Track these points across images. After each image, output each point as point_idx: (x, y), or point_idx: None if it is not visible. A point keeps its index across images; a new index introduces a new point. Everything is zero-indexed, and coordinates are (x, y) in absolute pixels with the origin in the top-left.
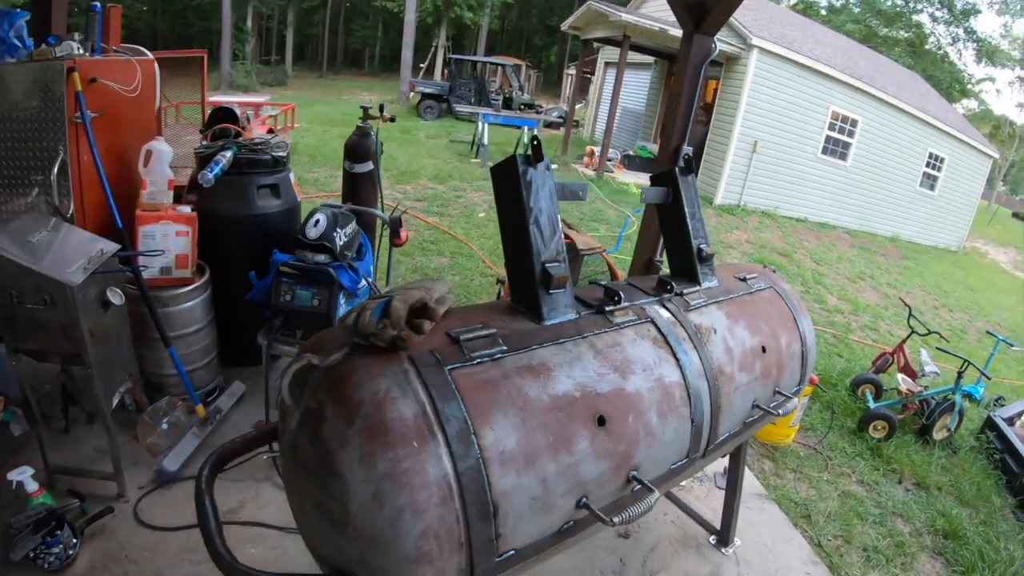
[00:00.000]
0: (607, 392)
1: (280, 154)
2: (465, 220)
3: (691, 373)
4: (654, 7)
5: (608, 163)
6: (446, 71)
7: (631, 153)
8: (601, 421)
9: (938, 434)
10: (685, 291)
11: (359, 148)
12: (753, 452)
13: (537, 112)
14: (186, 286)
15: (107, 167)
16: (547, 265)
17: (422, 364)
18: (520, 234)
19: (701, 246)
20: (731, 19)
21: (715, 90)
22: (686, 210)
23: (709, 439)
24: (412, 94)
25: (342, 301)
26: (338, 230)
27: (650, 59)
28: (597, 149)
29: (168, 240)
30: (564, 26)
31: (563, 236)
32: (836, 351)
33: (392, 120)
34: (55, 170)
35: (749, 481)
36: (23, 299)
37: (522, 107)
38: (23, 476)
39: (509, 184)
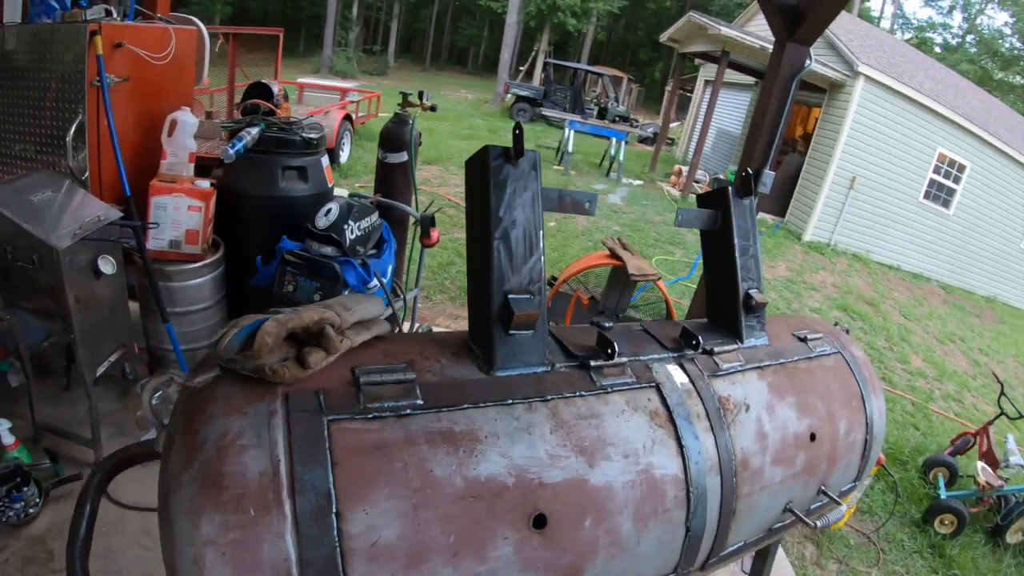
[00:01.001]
0: (557, 483)
1: (312, 136)
2: None
3: (698, 465)
4: (759, 26)
5: (695, 184)
6: (543, 75)
7: (721, 177)
8: (539, 522)
9: (1012, 537)
10: (717, 349)
11: (394, 137)
12: (795, 532)
13: (631, 125)
14: (195, 262)
15: (133, 134)
16: (511, 296)
17: (296, 408)
18: (482, 250)
19: (750, 291)
20: (837, 42)
21: (816, 119)
22: (736, 242)
23: (712, 551)
24: (507, 96)
25: None
26: (350, 223)
27: (751, 80)
28: (687, 169)
29: (179, 213)
30: (663, 37)
31: (610, 260)
32: (913, 422)
33: (433, 109)
34: (71, 132)
35: (782, 569)
36: (16, 256)
37: (616, 119)
38: (0, 428)
39: (479, 183)
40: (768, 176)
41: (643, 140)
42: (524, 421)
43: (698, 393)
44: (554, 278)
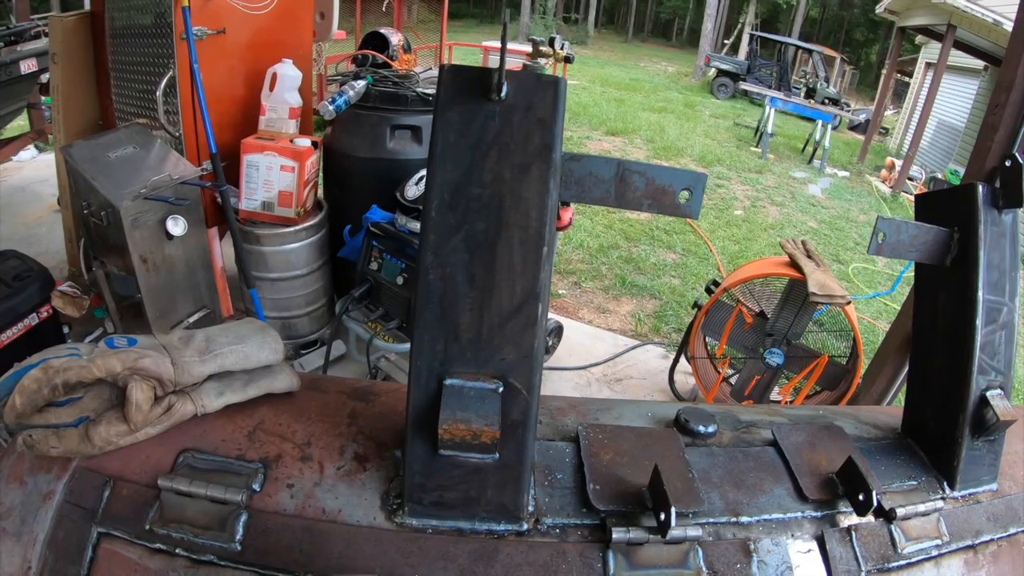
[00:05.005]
0: None
1: (428, 92)
2: (716, 215)
3: None
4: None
5: (909, 182)
6: (748, 49)
7: (939, 176)
8: None
9: None
10: (901, 510)
11: None
12: None
13: (841, 108)
14: (289, 226)
15: (237, 89)
16: (448, 383)
17: (72, 498)
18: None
19: (991, 393)
20: None
21: None
22: (980, 295)
23: None
24: (708, 69)
25: None
26: None
27: (979, 64)
28: (900, 163)
29: (271, 173)
30: (880, 8)
31: (788, 269)
32: None
33: (569, 60)
34: (160, 87)
35: None
36: (91, 212)
37: (825, 100)
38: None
39: None
40: None
41: (854, 128)
42: None
43: None
44: (715, 283)
